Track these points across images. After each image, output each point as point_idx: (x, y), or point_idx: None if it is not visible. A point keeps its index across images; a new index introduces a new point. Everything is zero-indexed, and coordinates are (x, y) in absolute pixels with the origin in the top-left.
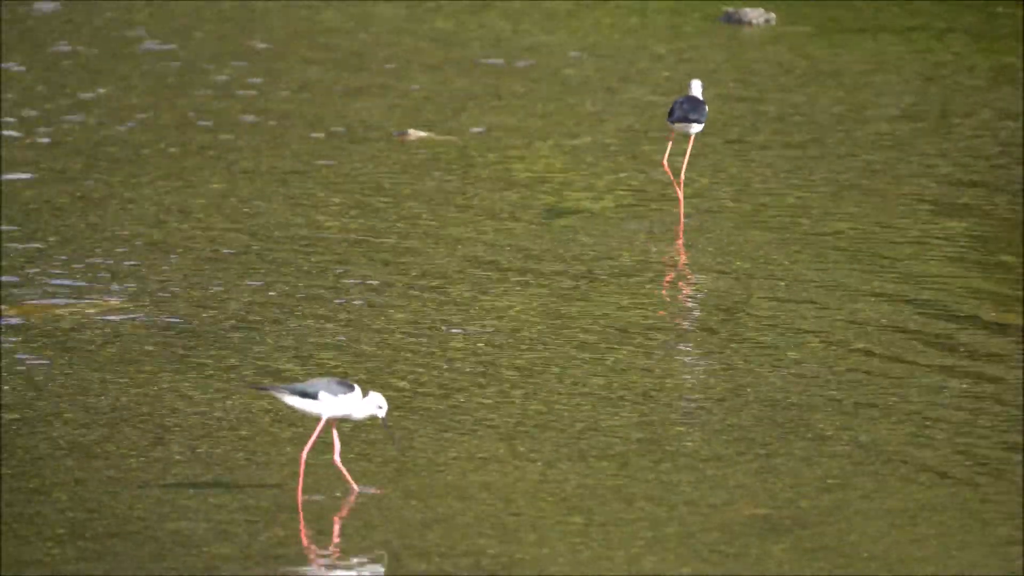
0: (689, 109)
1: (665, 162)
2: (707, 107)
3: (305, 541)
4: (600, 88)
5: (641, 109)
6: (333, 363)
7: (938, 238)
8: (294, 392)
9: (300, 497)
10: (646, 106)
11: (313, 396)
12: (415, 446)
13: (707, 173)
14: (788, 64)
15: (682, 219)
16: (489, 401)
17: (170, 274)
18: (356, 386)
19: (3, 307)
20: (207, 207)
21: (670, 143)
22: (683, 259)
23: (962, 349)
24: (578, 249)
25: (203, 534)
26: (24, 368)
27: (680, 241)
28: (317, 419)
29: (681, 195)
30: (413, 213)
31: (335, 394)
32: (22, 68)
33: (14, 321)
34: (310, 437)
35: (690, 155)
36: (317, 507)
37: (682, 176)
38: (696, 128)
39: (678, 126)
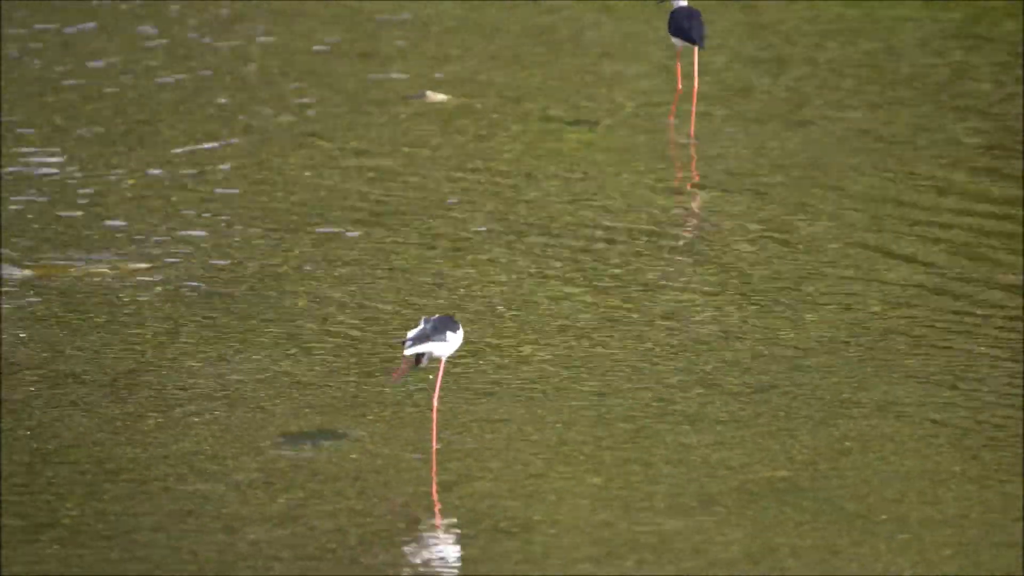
0: (690, 26)
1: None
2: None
3: (435, 500)
4: (621, 51)
5: (658, 72)
6: (350, 323)
7: (960, 198)
8: (431, 340)
9: (435, 445)
10: (662, 71)
11: (443, 339)
12: (432, 407)
13: (721, 132)
14: (812, 18)
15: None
16: (506, 363)
17: (187, 235)
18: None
19: (21, 268)
20: (221, 169)
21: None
22: (700, 222)
23: (982, 311)
24: (596, 209)
25: (222, 495)
26: (41, 329)
27: (697, 202)
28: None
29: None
30: (430, 175)
31: (455, 331)
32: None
33: (32, 282)
34: (395, 375)
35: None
36: (334, 467)
37: (694, 99)
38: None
39: (676, 41)
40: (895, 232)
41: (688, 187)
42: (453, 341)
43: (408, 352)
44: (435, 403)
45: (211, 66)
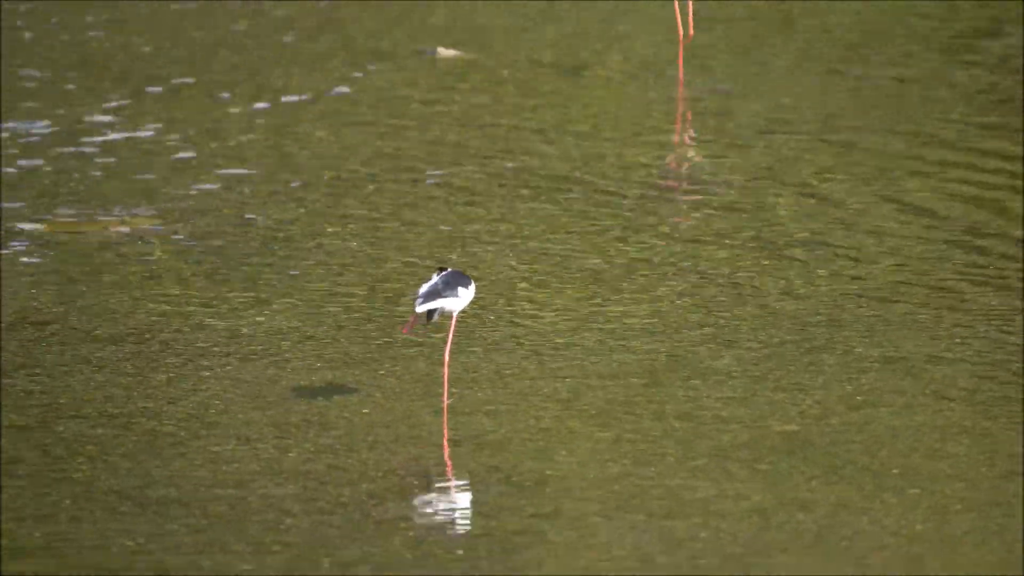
0: None
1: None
2: None
3: (447, 454)
4: (631, 10)
5: (671, 32)
6: (361, 280)
7: (969, 153)
8: (443, 296)
9: (446, 399)
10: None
11: (454, 294)
12: (443, 362)
13: (734, 93)
14: None
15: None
16: (518, 317)
17: (199, 192)
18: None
19: (33, 223)
20: (236, 126)
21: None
22: (709, 176)
23: (994, 267)
24: (609, 163)
25: (233, 450)
26: (54, 285)
27: (706, 155)
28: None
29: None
30: (442, 131)
31: (467, 286)
32: None
33: (45, 237)
34: (409, 329)
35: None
36: (346, 422)
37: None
38: None
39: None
40: (906, 186)
41: (698, 141)
42: (464, 296)
43: (419, 309)
44: (446, 358)
45: (221, 24)
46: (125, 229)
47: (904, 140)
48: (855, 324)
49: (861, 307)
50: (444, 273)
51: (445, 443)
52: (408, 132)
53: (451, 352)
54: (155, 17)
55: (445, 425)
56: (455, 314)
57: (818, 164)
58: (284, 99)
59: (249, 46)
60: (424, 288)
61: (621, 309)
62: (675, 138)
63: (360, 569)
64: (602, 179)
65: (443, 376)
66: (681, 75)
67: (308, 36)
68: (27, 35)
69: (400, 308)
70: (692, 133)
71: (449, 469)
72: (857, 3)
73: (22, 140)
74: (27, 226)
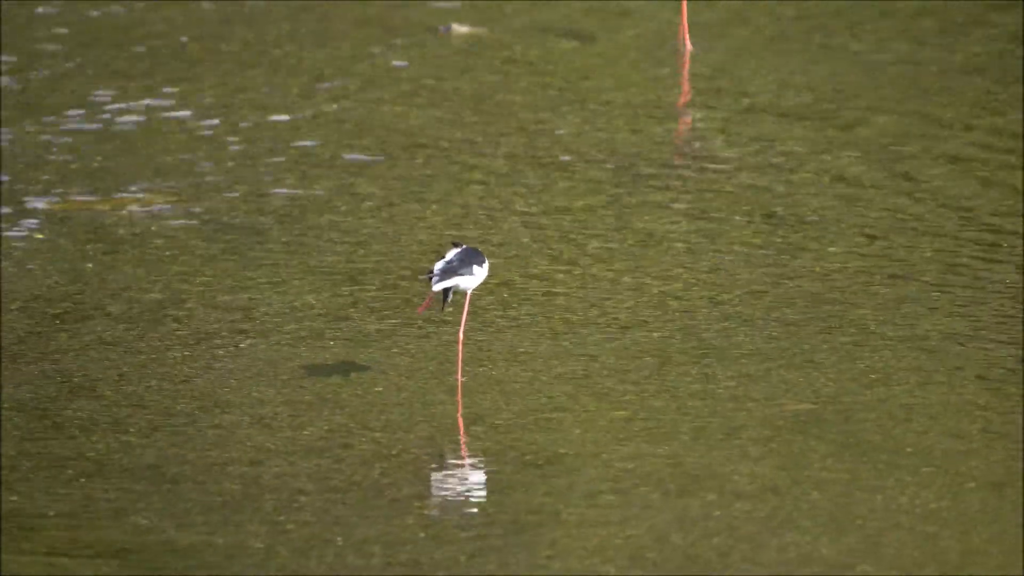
0: None
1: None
2: None
3: (461, 433)
4: None
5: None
6: (377, 257)
7: (982, 133)
8: (457, 274)
9: (460, 377)
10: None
11: (469, 272)
12: (457, 340)
13: (746, 69)
14: None
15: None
16: (531, 296)
17: (212, 169)
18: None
19: (48, 201)
20: (249, 102)
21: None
22: (723, 153)
23: (1006, 244)
24: (620, 138)
25: (247, 428)
26: (68, 263)
27: (721, 138)
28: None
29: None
30: (456, 107)
31: (481, 264)
32: None
33: (59, 215)
34: (429, 308)
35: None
36: (359, 400)
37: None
38: None
39: None
40: (920, 163)
41: (711, 117)
42: (479, 274)
43: (436, 287)
44: (461, 336)
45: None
46: (140, 207)
47: (917, 116)
48: (868, 301)
49: (874, 285)
50: (459, 250)
51: (459, 422)
52: (422, 109)
53: (465, 331)
54: None
55: (459, 403)
56: (469, 292)
57: (831, 140)
58: (298, 76)
59: (263, 22)
60: (439, 266)
61: (635, 287)
62: (689, 113)
63: (373, 548)
64: (616, 155)
65: (457, 354)
66: (687, 47)
67: (322, 14)
68: (39, 9)
69: (415, 286)
70: (705, 108)
71: (463, 448)
72: None
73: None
74: (41, 204)
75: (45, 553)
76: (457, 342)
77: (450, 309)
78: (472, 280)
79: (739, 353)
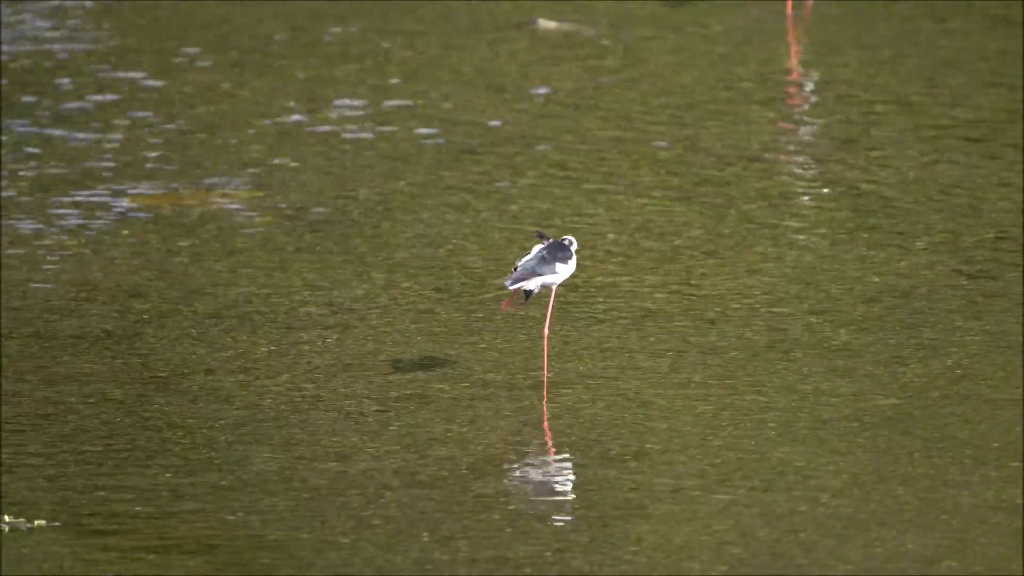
0: None
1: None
2: None
3: (546, 428)
4: None
5: None
6: (462, 253)
7: None
8: (540, 273)
9: (546, 373)
10: None
11: (552, 271)
12: (542, 335)
13: (832, 63)
14: None
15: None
16: (618, 290)
17: (298, 164)
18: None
19: (131, 197)
20: (336, 97)
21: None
22: (809, 148)
23: None
24: (708, 135)
25: (333, 423)
26: (155, 258)
27: (806, 128)
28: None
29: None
30: (543, 104)
31: (566, 261)
32: None
33: (146, 210)
34: (507, 307)
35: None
36: (445, 395)
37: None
38: None
39: None
40: (1008, 160)
41: (803, 112)
42: (563, 271)
43: (513, 287)
44: (546, 331)
45: None
46: (226, 201)
47: (1004, 114)
48: (954, 298)
49: (961, 280)
50: (544, 246)
51: (544, 416)
52: (509, 104)
53: (551, 325)
54: None
55: (545, 398)
56: (555, 287)
57: (915, 133)
58: (384, 70)
59: (351, 16)
60: (522, 262)
61: (720, 281)
62: (778, 109)
63: (458, 544)
64: (702, 151)
65: (543, 349)
66: (792, 45)
67: (407, 8)
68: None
69: (499, 280)
70: (798, 103)
71: (548, 443)
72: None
73: (123, 111)
74: (125, 200)
75: (132, 549)
76: (542, 337)
77: (535, 304)
78: (556, 278)
79: (825, 348)
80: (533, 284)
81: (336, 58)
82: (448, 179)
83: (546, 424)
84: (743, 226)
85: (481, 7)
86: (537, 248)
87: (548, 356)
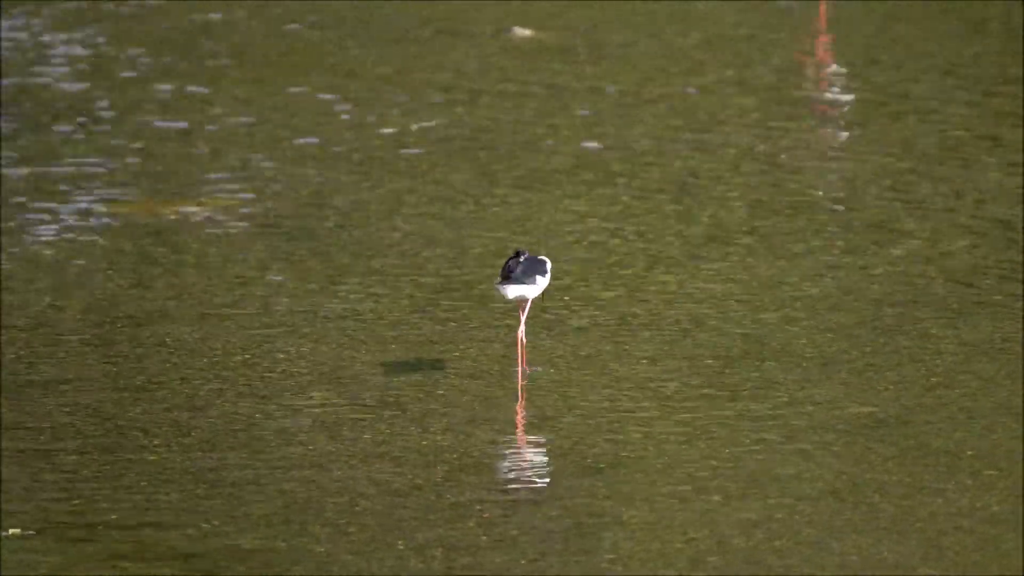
0: None
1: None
2: None
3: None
4: None
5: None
6: (437, 261)
7: None
8: (524, 282)
9: (521, 380)
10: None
11: (532, 282)
12: (519, 341)
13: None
14: None
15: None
16: (594, 299)
17: (273, 174)
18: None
19: (110, 205)
20: (310, 108)
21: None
22: (784, 155)
23: None
24: (683, 145)
25: (308, 432)
26: (130, 266)
27: (781, 136)
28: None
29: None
30: (518, 110)
31: (544, 273)
32: None
33: (121, 219)
34: (519, 318)
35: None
36: (421, 403)
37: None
38: None
39: None
40: (984, 168)
41: (766, 125)
42: (541, 283)
43: (508, 294)
44: (521, 336)
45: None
46: (201, 210)
47: (984, 125)
48: (929, 305)
49: (935, 288)
50: (522, 259)
51: (520, 425)
52: (484, 112)
53: (527, 334)
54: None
55: (521, 407)
56: (531, 298)
57: (890, 141)
58: (360, 78)
59: (326, 24)
60: (501, 277)
61: (696, 290)
62: (749, 120)
63: (435, 551)
64: (677, 158)
65: (519, 355)
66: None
67: (384, 17)
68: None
69: (476, 289)
70: (759, 118)
71: (524, 451)
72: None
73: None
74: (101, 208)
75: (108, 557)
76: (517, 343)
77: (511, 312)
78: (534, 289)
79: (800, 356)
80: (517, 292)
81: (311, 65)
82: (423, 187)
83: (522, 432)
84: (719, 234)
85: (458, 15)
86: (514, 260)
87: (524, 362)
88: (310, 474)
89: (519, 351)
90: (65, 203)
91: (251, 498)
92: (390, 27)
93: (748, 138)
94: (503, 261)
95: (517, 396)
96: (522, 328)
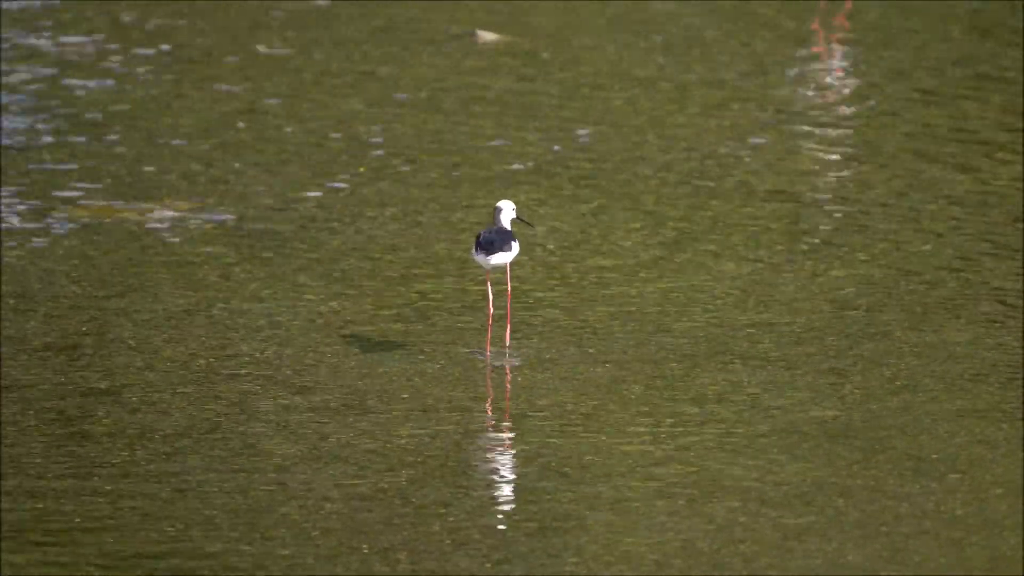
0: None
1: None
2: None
3: (487, 439)
4: None
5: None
6: (403, 263)
7: (1014, 146)
8: (502, 249)
9: (489, 351)
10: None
11: (509, 249)
12: (479, 346)
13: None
14: None
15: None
16: (557, 302)
17: (239, 175)
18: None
19: (74, 209)
20: (276, 109)
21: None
22: (747, 160)
23: None
24: (649, 148)
25: (272, 435)
26: (93, 269)
27: (746, 141)
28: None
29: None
30: (482, 115)
31: (515, 240)
32: None
33: (85, 223)
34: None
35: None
36: (385, 407)
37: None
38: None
39: None
40: (948, 174)
41: (732, 127)
42: (515, 249)
43: (492, 259)
44: (490, 309)
45: (257, 8)
46: (166, 213)
47: (946, 130)
48: (894, 308)
49: (900, 292)
50: (491, 230)
51: (486, 428)
52: (448, 116)
53: (491, 339)
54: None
55: (487, 410)
56: (504, 266)
57: (855, 143)
58: (324, 82)
59: (289, 28)
60: (483, 248)
61: (660, 293)
62: (714, 122)
63: (399, 555)
64: (643, 164)
65: (487, 330)
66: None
67: (348, 20)
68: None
69: (440, 291)
70: (725, 120)
71: (489, 454)
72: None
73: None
74: (64, 211)
75: (72, 561)
76: (487, 317)
77: (476, 320)
78: (509, 256)
79: (764, 359)
80: (496, 260)
81: (271, 69)
82: (388, 189)
83: (487, 435)
84: (683, 238)
85: (421, 19)
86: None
87: (489, 356)
88: (274, 477)
89: (488, 325)
90: (28, 205)
91: (215, 502)
92: (353, 31)
93: (714, 140)
94: (467, 267)
95: (482, 399)
96: (491, 303)
